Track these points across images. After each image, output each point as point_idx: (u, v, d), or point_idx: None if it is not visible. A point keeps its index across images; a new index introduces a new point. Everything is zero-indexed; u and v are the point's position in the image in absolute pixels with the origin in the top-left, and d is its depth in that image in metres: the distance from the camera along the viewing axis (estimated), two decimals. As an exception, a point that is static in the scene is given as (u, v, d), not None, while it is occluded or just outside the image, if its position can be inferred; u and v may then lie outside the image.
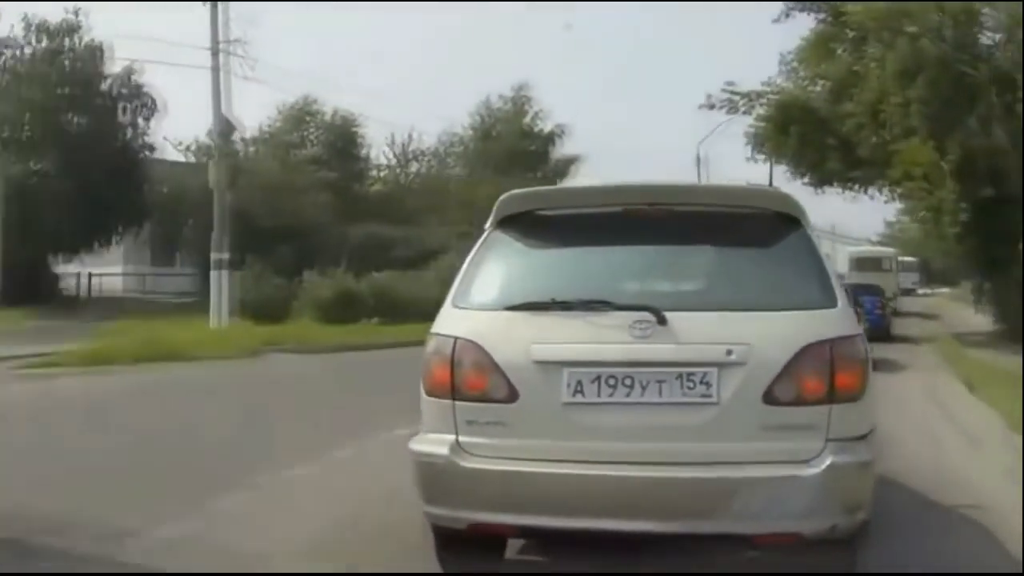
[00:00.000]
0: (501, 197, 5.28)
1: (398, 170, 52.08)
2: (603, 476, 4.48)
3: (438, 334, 4.86)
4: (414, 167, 51.82)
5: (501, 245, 5.16)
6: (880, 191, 32.12)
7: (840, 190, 32.67)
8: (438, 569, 5.08)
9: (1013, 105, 24.27)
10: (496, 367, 4.62)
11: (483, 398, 4.66)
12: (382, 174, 52.01)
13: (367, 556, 5.86)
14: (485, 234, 5.24)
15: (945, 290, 67.83)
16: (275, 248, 34.71)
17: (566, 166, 48.56)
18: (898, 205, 35.16)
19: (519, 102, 48.56)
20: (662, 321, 4.51)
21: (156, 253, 45.68)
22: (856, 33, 28.83)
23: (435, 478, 4.69)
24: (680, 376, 4.47)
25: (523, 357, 4.60)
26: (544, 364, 4.58)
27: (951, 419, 12.20)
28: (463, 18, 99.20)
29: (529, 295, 4.84)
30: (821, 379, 4.48)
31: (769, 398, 4.44)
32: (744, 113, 31.08)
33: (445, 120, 58.61)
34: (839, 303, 4.73)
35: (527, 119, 48.58)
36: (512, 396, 4.59)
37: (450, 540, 4.96)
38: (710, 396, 4.45)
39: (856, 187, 31.87)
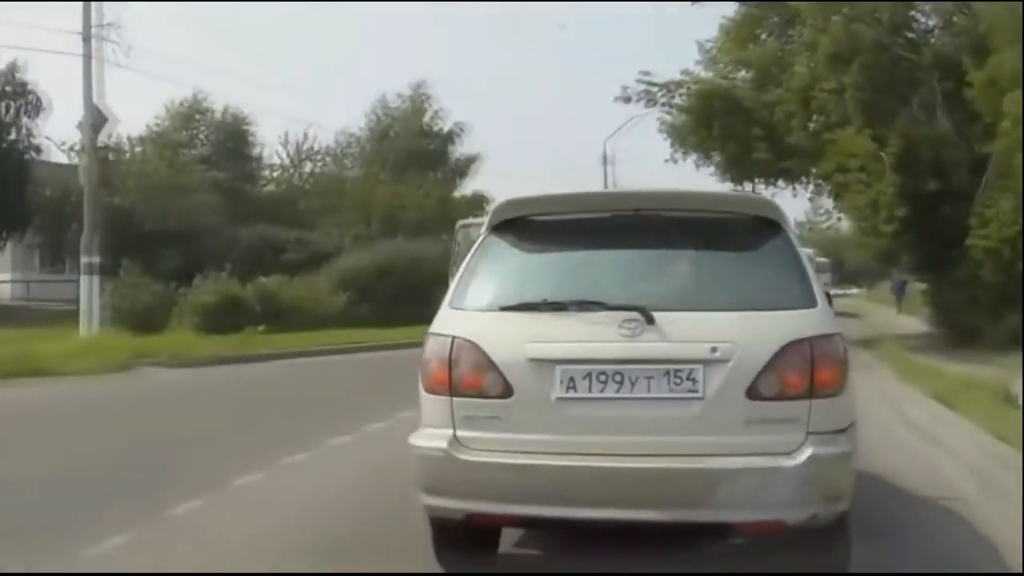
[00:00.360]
0: (497, 203, 5.58)
1: (291, 170, 50.34)
2: (595, 467, 4.68)
3: (436, 334, 5.04)
4: (308, 167, 50.14)
5: (496, 249, 5.38)
6: (807, 186, 29.65)
7: (764, 186, 29.77)
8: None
9: (957, 92, 22.44)
10: (492, 365, 4.82)
11: (480, 394, 4.86)
12: (275, 174, 50.33)
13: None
14: (480, 238, 5.46)
15: (855, 290, 67.15)
16: (161, 252, 33.01)
17: (466, 166, 47.26)
18: (827, 200, 32.08)
19: (417, 100, 46.91)
20: (650, 321, 4.73)
21: (44, 259, 44.09)
22: (782, 17, 26.78)
23: (434, 470, 4.90)
24: (668, 372, 4.68)
25: (518, 355, 4.80)
26: (538, 361, 4.78)
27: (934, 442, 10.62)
28: (360, 9, 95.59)
29: (523, 296, 5.08)
30: (802, 375, 4.68)
31: (752, 393, 4.64)
32: (663, 105, 28.36)
33: (342, 118, 56.30)
34: (819, 303, 4.96)
35: (426, 118, 46.90)
36: (508, 392, 4.79)
37: (446, 534, 5.22)
38: (696, 391, 4.66)
39: (783, 182, 29.26)
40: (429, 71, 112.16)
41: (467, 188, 46.44)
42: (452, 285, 5.32)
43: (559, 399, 4.72)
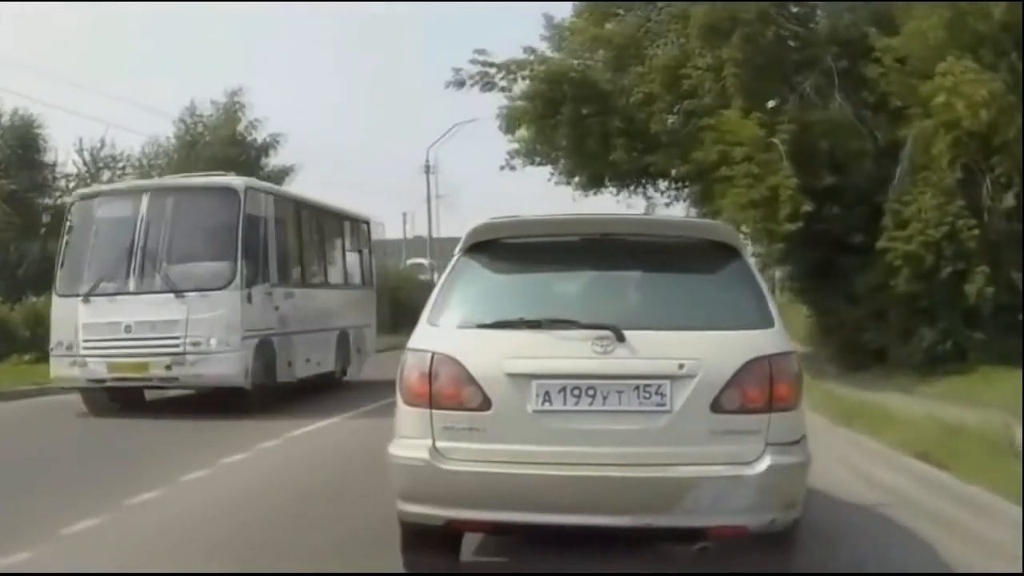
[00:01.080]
0: (471, 227, 5.79)
1: (88, 180, 43.73)
2: (570, 476, 5.03)
3: (416, 349, 5.34)
4: (107, 175, 43.99)
5: (471, 270, 5.72)
6: (678, 187, 25.36)
7: (615, 190, 25.41)
8: None
9: (856, 70, 18.97)
10: (471, 379, 5.14)
11: (459, 407, 5.16)
12: (71, 184, 43.75)
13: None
14: (454, 260, 5.79)
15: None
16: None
17: (280, 176, 42.52)
18: (686, 206, 27.43)
19: (231, 108, 42.47)
20: (621, 338, 5.10)
21: None
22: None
23: (414, 479, 5.23)
24: (637, 387, 5.05)
25: (496, 370, 5.13)
26: (515, 376, 5.12)
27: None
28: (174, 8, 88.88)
29: (499, 314, 5.45)
30: (762, 390, 5.07)
31: (716, 407, 5.03)
32: (503, 90, 22.98)
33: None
34: (776, 324, 5.34)
35: (240, 127, 42.46)
36: (486, 405, 5.12)
37: (414, 539, 5.50)
38: (664, 405, 5.03)
39: (645, 182, 24.88)
40: (245, 74, 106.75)
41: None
42: (429, 303, 5.60)
43: (536, 412, 5.07)
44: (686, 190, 25.47)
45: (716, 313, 5.44)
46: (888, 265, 17.96)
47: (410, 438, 5.23)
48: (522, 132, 23.67)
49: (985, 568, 6.07)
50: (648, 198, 26.04)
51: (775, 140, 18.96)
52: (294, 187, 42.28)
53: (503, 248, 5.76)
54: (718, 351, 5.11)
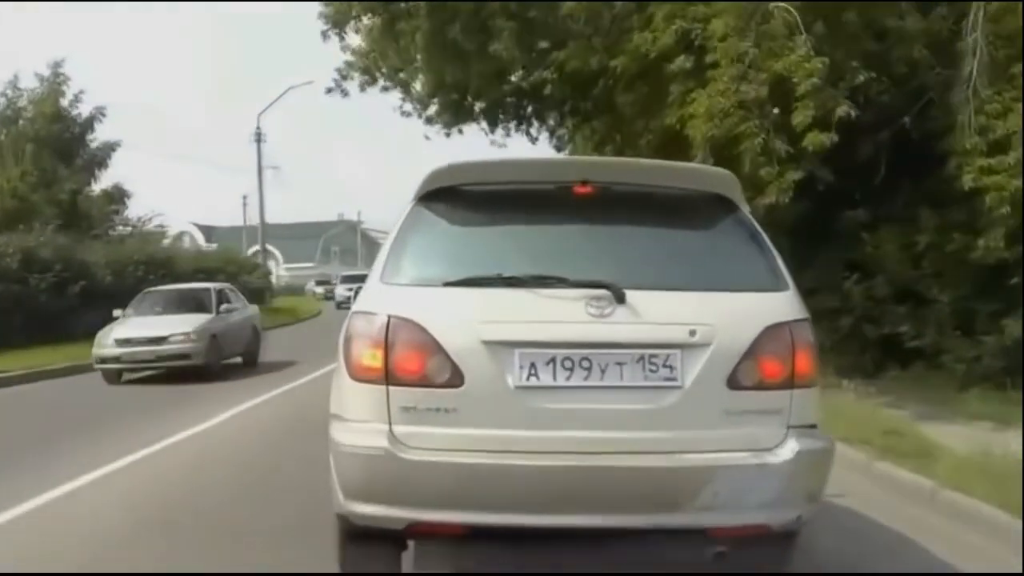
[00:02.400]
0: (431, 170, 4.84)
1: None
2: (560, 467, 4.21)
3: (366, 312, 4.44)
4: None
5: (430, 221, 4.76)
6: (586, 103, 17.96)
7: (491, 122, 19.82)
8: None
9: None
10: (438, 347, 4.26)
11: (423, 383, 4.28)
12: None
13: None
14: (408, 209, 4.84)
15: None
16: None
17: (107, 153, 40.53)
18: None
19: (55, 82, 39.76)
20: (620, 299, 4.31)
21: None
22: None
23: (369, 473, 4.31)
24: (642, 358, 4.27)
25: (469, 337, 4.27)
26: (493, 344, 4.26)
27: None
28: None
29: (470, 270, 4.49)
30: (783, 362, 4.36)
31: (732, 382, 4.31)
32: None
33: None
34: (790, 286, 4.60)
35: (65, 101, 39.76)
36: (457, 380, 4.25)
37: (353, 538, 4.64)
38: (674, 379, 4.27)
39: (537, 106, 18.65)
40: (72, 46, 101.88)
41: (108, 180, 40.24)
42: (380, 258, 4.67)
43: (518, 388, 4.24)
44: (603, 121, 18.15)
45: (725, 272, 4.63)
46: (965, 218, 11.68)
47: (360, 421, 4.33)
48: (356, 36, 18.14)
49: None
50: (533, 138, 20.36)
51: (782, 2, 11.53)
52: (120, 165, 39.92)
53: (467, 196, 4.83)
54: (732, 316, 4.36)
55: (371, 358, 4.32)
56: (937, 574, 5.52)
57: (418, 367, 4.27)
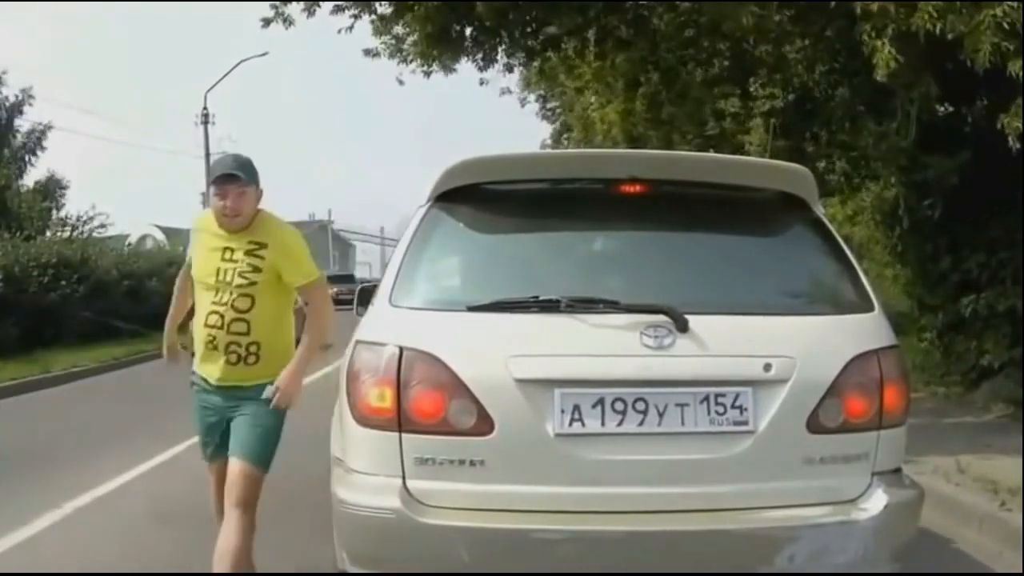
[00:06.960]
0: (448, 166, 4.12)
1: None
2: (612, 533, 3.59)
3: (372, 342, 3.77)
4: None
5: (448, 226, 4.10)
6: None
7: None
8: None
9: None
10: (461, 386, 3.62)
11: (443, 429, 3.63)
12: None
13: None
14: (422, 212, 4.13)
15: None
16: None
17: (39, 138, 37.30)
18: None
19: None
20: (683, 327, 3.67)
21: None
22: None
23: (377, 538, 3.67)
24: (707, 398, 3.66)
25: (499, 374, 3.61)
26: (528, 383, 3.61)
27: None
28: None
29: (499, 291, 3.81)
30: (870, 398, 3.80)
31: (813, 424, 3.72)
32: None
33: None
34: (876, 306, 4.02)
35: None
36: (484, 426, 3.61)
37: None
38: (745, 423, 3.67)
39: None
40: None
41: (41, 170, 36.27)
42: (389, 274, 4.00)
43: (559, 435, 3.61)
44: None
45: (801, 290, 4.09)
46: None
47: (368, 474, 3.71)
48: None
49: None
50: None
51: None
52: (50, 153, 36.27)
53: (492, 196, 4.16)
54: (813, 345, 3.79)
55: (379, 398, 3.68)
56: (937, 574, 5.29)
57: (437, 410, 3.65)
